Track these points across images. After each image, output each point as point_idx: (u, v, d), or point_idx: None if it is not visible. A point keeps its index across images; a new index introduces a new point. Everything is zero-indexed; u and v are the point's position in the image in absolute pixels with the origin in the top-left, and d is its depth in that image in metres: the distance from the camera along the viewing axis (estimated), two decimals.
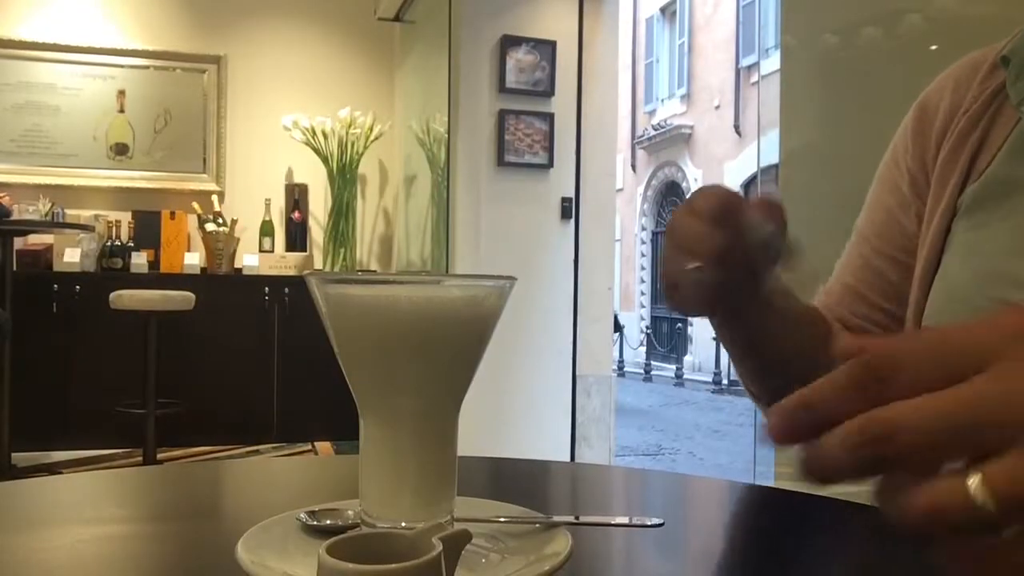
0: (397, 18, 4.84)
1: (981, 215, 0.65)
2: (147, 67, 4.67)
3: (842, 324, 0.76)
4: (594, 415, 4.04)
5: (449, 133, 3.94)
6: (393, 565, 0.35)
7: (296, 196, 4.75)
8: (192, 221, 4.54)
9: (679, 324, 15.25)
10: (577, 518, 0.51)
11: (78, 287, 4.04)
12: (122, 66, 4.63)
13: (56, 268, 4.16)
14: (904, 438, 0.31)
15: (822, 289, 0.81)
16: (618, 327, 10.41)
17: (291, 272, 4.40)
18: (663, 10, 16.85)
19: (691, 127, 15.57)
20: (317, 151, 4.60)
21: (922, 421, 0.31)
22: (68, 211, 4.35)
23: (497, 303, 0.46)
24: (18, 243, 3.89)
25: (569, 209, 3.96)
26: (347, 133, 4.58)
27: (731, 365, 0.75)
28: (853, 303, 0.76)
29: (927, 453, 0.31)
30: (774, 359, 0.69)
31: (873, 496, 0.32)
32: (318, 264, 4.70)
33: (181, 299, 3.68)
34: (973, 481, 0.29)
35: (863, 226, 0.79)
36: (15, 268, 3.65)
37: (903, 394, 0.31)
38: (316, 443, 4.31)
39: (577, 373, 3.96)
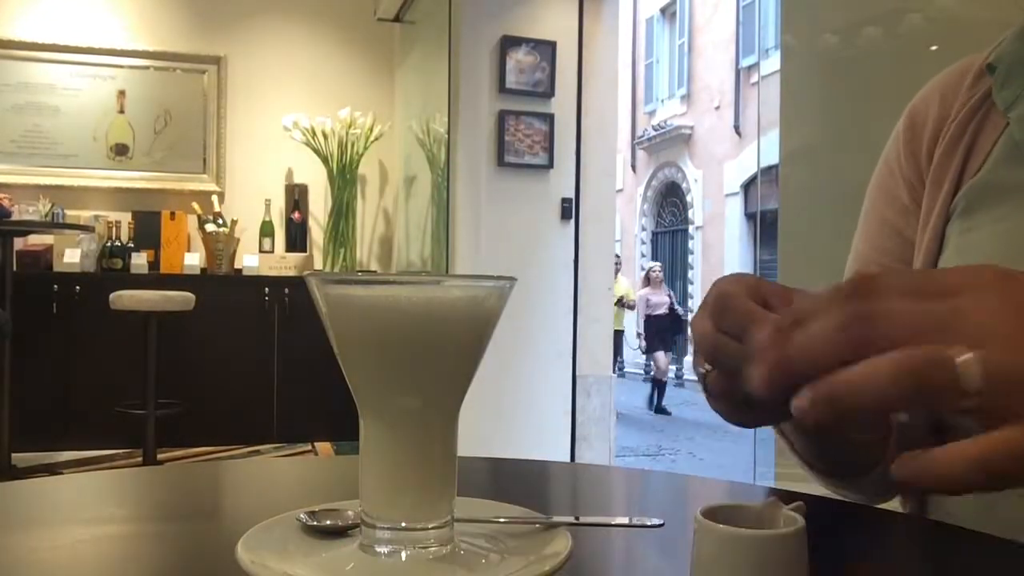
0: (397, 18, 4.84)
1: (973, 220, 0.66)
2: (147, 67, 4.67)
3: None
4: (594, 415, 4.04)
5: (449, 133, 3.94)
6: (769, 531, 0.37)
7: (296, 196, 4.76)
8: (192, 221, 4.54)
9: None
10: (577, 518, 0.51)
11: (78, 287, 4.04)
12: (122, 66, 4.63)
13: (56, 268, 4.16)
14: (889, 321, 0.35)
15: None
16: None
17: (291, 272, 4.40)
18: (663, 10, 16.86)
19: (691, 127, 15.57)
20: (317, 151, 4.60)
21: (908, 311, 0.35)
22: (68, 211, 4.35)
23: (497, 303, 0.46)
24: (18, 243, 3.89)
25: (569, 209, 3.96)
26: (347, 133, 4.58)
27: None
28: None
29: (909, 338, 0.34)
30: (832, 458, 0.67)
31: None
32: (318, 264, 4.70)
33: (181, 299, 3.68)
34: (963, 356, 0.33)
35: (859, 243, 0.79)
36: (15, 268, 3.65)
37: (882, 342, 0.35)
38: (316, 443, 4.31)
39: (577, 373, 3.96)
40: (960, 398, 0.34)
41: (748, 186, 13.67)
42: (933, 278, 0.37)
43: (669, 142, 16.14)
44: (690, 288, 15.45)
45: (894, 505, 0.68)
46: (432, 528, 0.45)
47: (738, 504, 0.40)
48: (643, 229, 17.23)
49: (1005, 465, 0.34)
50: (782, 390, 0.37)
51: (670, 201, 16.64)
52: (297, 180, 4.81)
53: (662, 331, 10.28)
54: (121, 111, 4.63)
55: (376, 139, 4.66)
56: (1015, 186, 0.63)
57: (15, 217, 4.06)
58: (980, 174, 0.67)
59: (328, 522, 0.49)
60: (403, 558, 0.45)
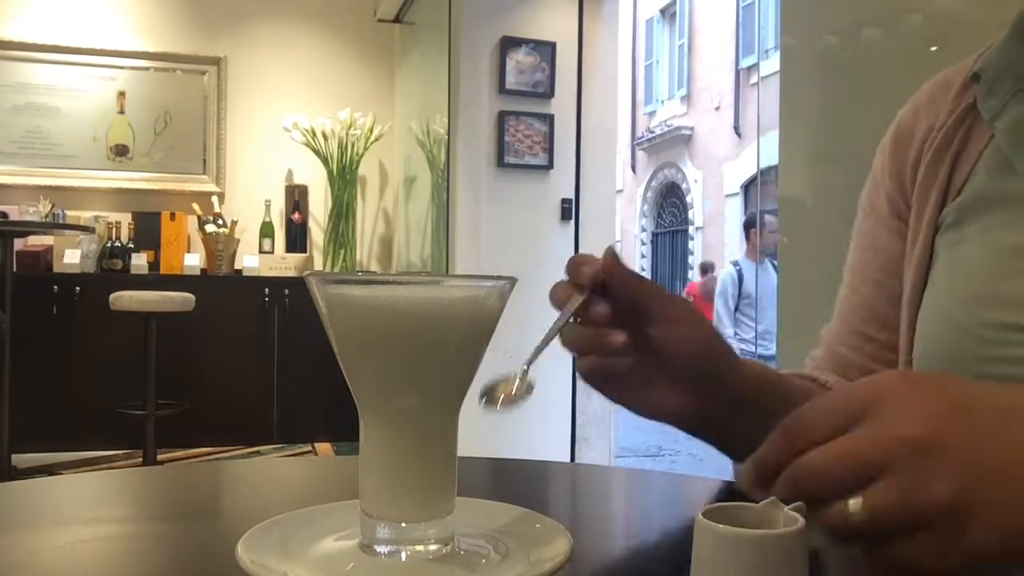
0: (397, 19, 4.84)
1: (961, 232, 0.66)
2: (147, 68, 4.67)
3: (841, 361, 0.76)
4: (594, 416, 4.04)
5: (449, 134, 3.94)
6: (769, 531, 0.39)
7: (296, 197, 4.76)
8: (192, 222, 4.54)
9: None
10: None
11: (78, 288, 4.04)
12: (122, 67, 4.63)
13: (56, 269, 4.16)
14: (811, 482, 0.42)
15: (825, 329, 0.81)
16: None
17: (291, 273, 4.41)
18: (663, 11, 16.87)
19: (691, 128, 15.57)
20: (317, 152, 4.60)
21: (819, 465, 0.42)
22: (68, 212, 4.35)
23: (497, 304, 0.46)
24: (18, 244, 3.89)
25: (569, 210, 3.96)
26: (347, 134, 4.58)
27: None
28: (848, 338, 0.76)
29: (827, 491, 0.42)
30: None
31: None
32: (318, 265, 4.70)
33: (181, 300, 3.68)
34: (854, 503, 0.41)
35: (850, 259, 0.80)
36: (15, 269, 3.65)
37: (814, 443, 0.43)
38: (316, 444, 4.31)
39: (577, 374, 3.96)
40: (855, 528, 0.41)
41: (748, 187, 13.68)
42: (843, 404, 0.45)
43: (669, 143, 16.15)
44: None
45: None
46: (432, 528, 0.45)
47: (738, 504, 0.40)
48: (643, 230, 17.23)
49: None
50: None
51: (670, 202, 16.65)
52: (297, 181, 4.81)
53: None
54: (121, 112, 4.63)
55: (376, 140, 4.67)
56: (1002, 197, 0.63)
57: (15, 218, 4.06)
58: (967, 186, 0.67)
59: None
60: (403, 558, 0.45)
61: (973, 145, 0.67)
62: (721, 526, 0.38)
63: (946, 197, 0.68)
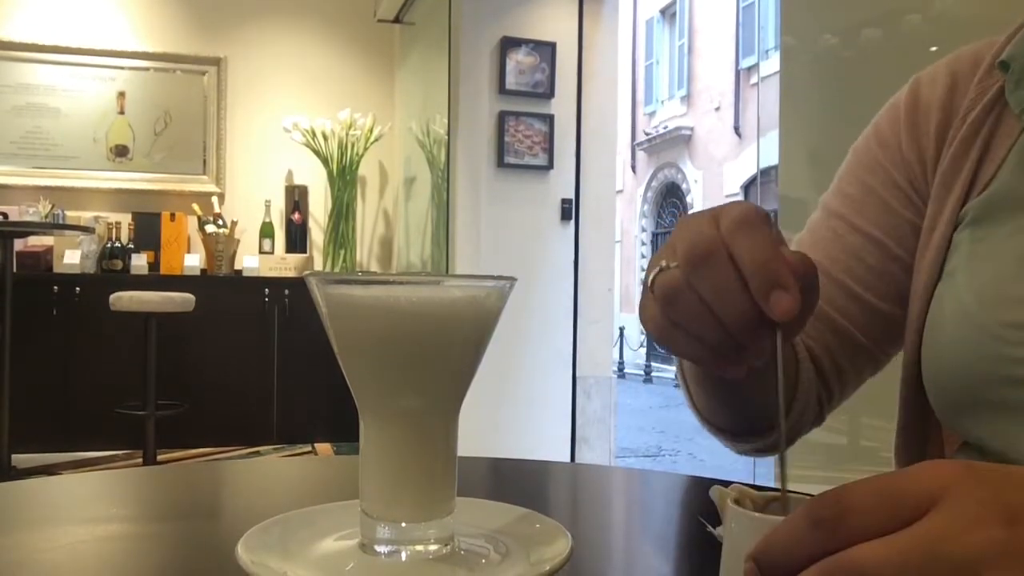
0: (397, 20, 4.84)
1: (985, 229, 0.63)
2: (147, 69, 4.67)
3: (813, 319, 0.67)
4: (594, 416, 4.04)
5: (449, 135, 3.94)
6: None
7: (296, 198, 4.76)
8: (192, 223, 4.54)
9: None
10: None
11: (78, 289, 4.04)
12: (122, 68, 4.63)
13: (56, 270, 4.16)
14: None
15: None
16: None
17: (291, 274, 4.41)
18: (663, 12, 16.87)
19: (691, 128, 15.57)
20: (317, 153, 4.60)
21: (883, 561, 0.32)
22: (68, 213, 4.35)
23: (497, 304, 0.46)
24: (18, 245, 3.89)
25: (569, 210, 3.96)
26: (347, 135, 4.58)
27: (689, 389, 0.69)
28: (826, 289, 0.69)
29: None
30: (747, 411, 0.66)
31: None
32: (318, 266, 4.70)
33: (181, 300, 3.68)
34: None
35: (832, 201, 0.75)
36: (15, 270, 3.65)
37: (857, 536, 0.33)
38: (316, 444, 4.31)
39: (577, 374, 3.96)
40: None
41: (748, 187, 13.67)
42: (898, 494, 0.34)
43: (669, 143, 16.15)
44: None
45: None
46: (432, 528, 0.45)
47: (764, 495, 0.41)
48: (643, 230, 17.23)
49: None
50: None
51: (670, 202, 16.65)
52: (297, 181, 4.81)
53: None
54: (121, 112, 4.63)
55: (376, 140, 4.67)
56: None
57: (15, 218, 4.06)
58: (994, 183, 0.64)
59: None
60: (403, 558, 0.45)
61: (1001, 138, 0.65)
62: (756, 514, 0.39)
63: (970, 191, 0.66)
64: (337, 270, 4.53)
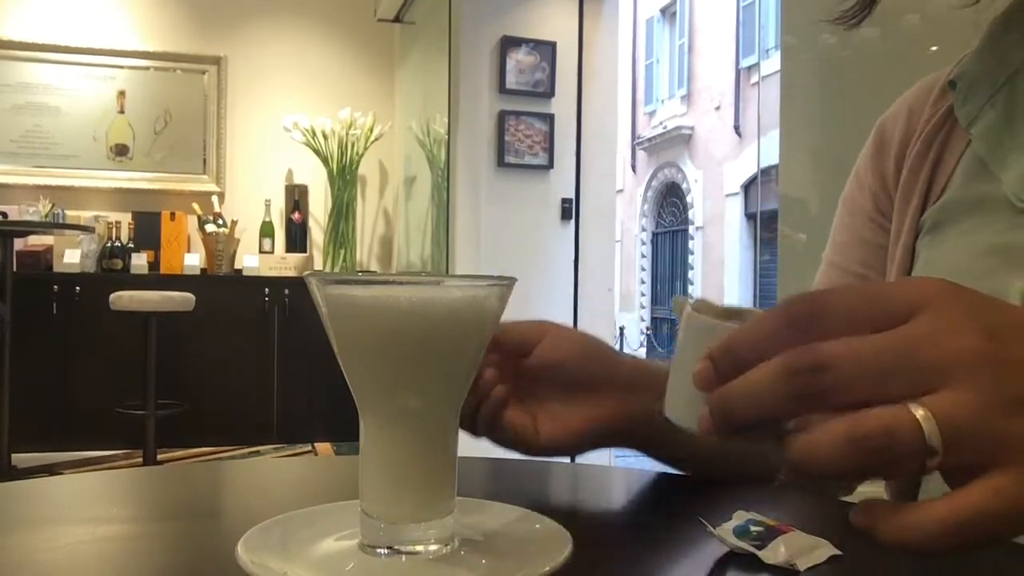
0: (397, 19, 4.84)
1: (941, 235, 0.68)
2: (147, 68, 4.67)
3: None
4: None
5: (449, 134, 3.94)
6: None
7: (296, 197, 4.76)
8: (192, 222, 4.54)
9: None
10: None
11: (78, 288, 4.04)
12: (122, 67, 4.63)
13: (56, 269, 4.17)
14: (838, 371, 0.32)
15: None
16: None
17: (291, 273, 4.41)
18: (663, 11, 16.87)
19: (691, 128, 15.57)
20: (317, 152, 4.60)
21: (856, 356, 0.32)
22: (68, 212, 4.36)
23: (497, 304, 0.46)
24: (18, 244, 3.89)
25: (569, 210, 3.96)
26: (347, 134, 4.58)
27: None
28: None
29: (859, 389, 0.32)
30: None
31: (782, 441, 0.33)
32: (318, 265, 4.70)
33: (181, 300, 3.68)
34: (920, 412, 0.31)
35: (829, 253, 0.81)
36: (15, 269, 3.65)
37: (831, 337, 0.32)
38: (316, 444, 4.31)
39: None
40: (925, 460, 0.31)
41: (748, 187, 13.68)
42: (879, 299, 0.34)
43: (669, 143, 16.15)
44: (690, 288, 15.45)
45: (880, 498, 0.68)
46: (432, 528, 0.45)
47: (729, 308, 0.40)
48: (643, 229, 17.23)
49: (979, 527, 0.31)
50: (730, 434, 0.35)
51: (670, 201, 16.65)
52: (297, 180, 4.81)
53: None
54: (121, 111, 4.63)
55: (376, 139, 4.67)
56: (979, 200, 0.65)
57: (15, 217, 4.06)
58: (947, 191, 0.69)
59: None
60: (403, 558, 0.45)
61: (952, 150, 0.70)
62: (704, 316, 0.38)
63: (927, 201, 0.70)
64: (337, 270, 4.53)
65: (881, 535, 0.33)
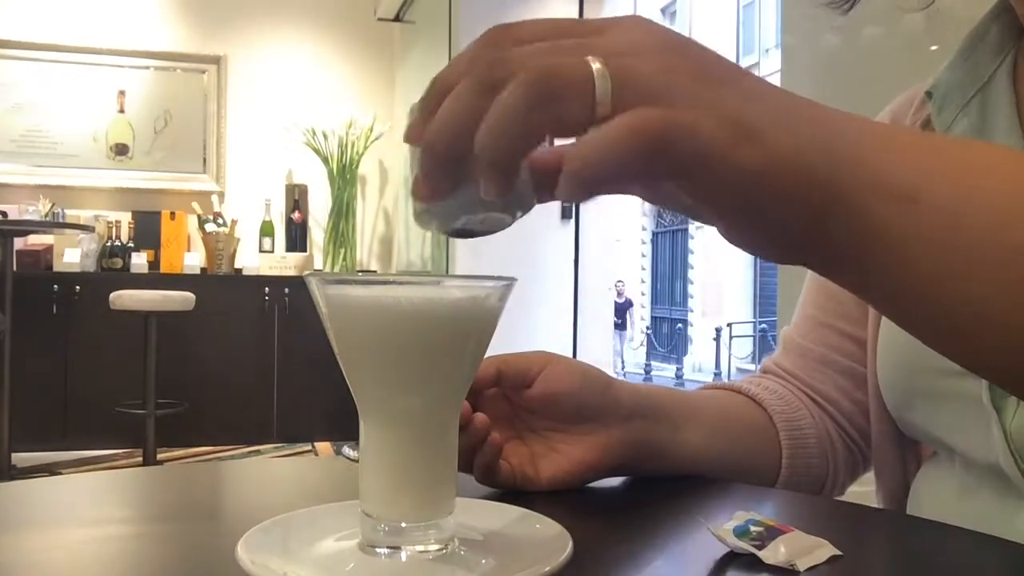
0: (397, 18, 4.84)
1: None
2: (147, 67, 4.67)
3: (803, 352, 0.77)
4: None
5: None
6: None
7: (296, 196, 4.76)
8: (192, 221, 4.54)
9: (679, 324, 15.25)
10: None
11: (78, 287, 4.04)
12: (122, 66, 4.63)
13: (56, 268, 4.17)
14: (518, 48, 0.35)
15: (784, 330, 0.82)
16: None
17: (291, 273, 4.41)
18: (663, 10, 16.86)
19: None
20: (317, 151, 4.60)
21: (534, 28, 0.35)
22: (68, 211, 4.36)
23: (497, 303, 0.46)
24: (18, 243, 3.89)
25: (569, 210, 3.96)
26: (347, 133, 4.58)
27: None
28: (817, 333, 0.78)
29: (540, 52, 0.34)
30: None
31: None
32: (318, 265, 4.70)
33: (181, 299, 3.68)
34: (594, 62, 0.32)
35: (808, 279, 0.81)
36: (15, 268, 3.65)
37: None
38: (316, 444, 4.31)
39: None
40: (593, 105, 0.33)
41: None
42: (573, 21, 0.36)
43: None
44: (690, 288, 15.46)
45: (869, 500, 0.69)
46: (432, 528, 0.45)
47: None
48: (643, 229, 17.23)
49: (624, 153, 0.32)
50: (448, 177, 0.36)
51: None
52: (297, 180, 4.81)
53: None
54: (121, 111, 4.63)
55: (376, 139, 4.67)
56: None
57: (15, 217, 4.06)
58: None
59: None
60: (403, 558, 0.45)
61: None
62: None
63: None
64: (337, 269, 4.53)
65: (578, 172, 0.33)
